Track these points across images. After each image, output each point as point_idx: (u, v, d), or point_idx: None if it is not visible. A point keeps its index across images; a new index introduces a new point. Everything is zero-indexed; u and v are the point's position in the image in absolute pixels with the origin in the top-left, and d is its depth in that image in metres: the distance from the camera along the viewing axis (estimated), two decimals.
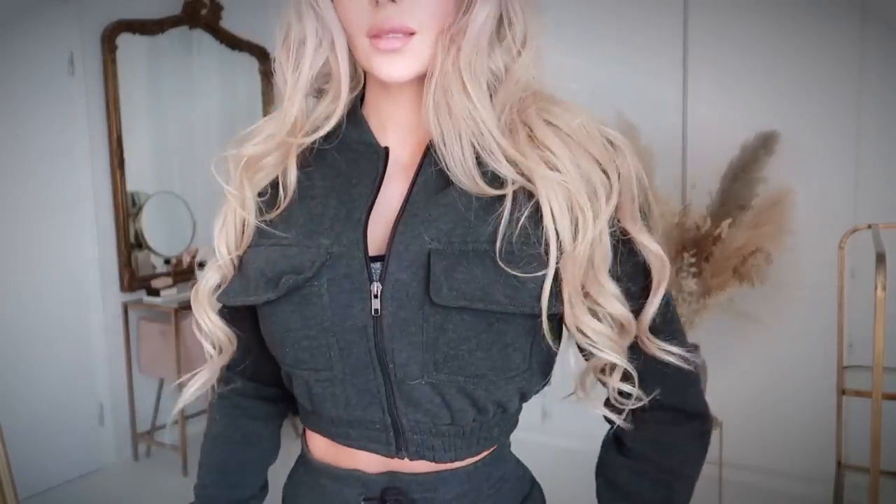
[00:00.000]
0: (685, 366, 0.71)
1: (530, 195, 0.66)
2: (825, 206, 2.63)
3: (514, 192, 0.66)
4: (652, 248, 0.69)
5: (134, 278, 3.27)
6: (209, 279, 0.76)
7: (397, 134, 0.73)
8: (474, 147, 0.66)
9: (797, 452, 2.75)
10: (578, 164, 0.66)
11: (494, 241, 0.65)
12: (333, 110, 0.71)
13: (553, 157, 0.66)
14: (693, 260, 2.29)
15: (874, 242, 1.93)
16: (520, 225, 0.65)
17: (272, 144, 0.73)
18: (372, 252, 0.68)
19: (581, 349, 0.72)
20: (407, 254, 0.67)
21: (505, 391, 0.71)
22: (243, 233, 0.75)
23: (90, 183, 3.11)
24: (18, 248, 2.89)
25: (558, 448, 3.19)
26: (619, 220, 0.68)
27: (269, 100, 3.97)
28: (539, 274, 0.65)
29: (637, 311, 0.69)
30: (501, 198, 0.66)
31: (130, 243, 3.28)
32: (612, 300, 0.67)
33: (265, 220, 0.73)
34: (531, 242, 0.66)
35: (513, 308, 0.65)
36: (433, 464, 0.72)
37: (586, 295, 0.67)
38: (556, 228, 0.65)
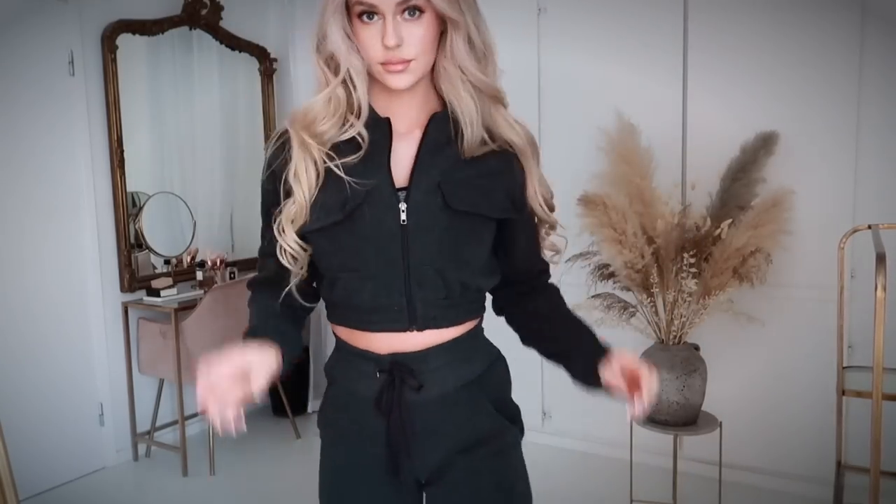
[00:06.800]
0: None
1: (503, 151, 1.08)
2: (825, 206, 2.63)
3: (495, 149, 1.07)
4: None
5: (134, 278, 3.27)
6: (289, 211, 1.05)
7: (396, 115, 1.06)
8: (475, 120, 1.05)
9: (797, 453, 2.75)
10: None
11: (482, 177, 1.05)
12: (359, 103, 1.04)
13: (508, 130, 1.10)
14: (693, 260, 2.29)
15: (874, 243, 1.93)
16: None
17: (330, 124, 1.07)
18: (396, 185, 1.03)
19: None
20: (423, 184, 1.02)
21: (478, 275, 1.09)
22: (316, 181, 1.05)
23: (90, 183, 3.11)
24: (18, 247, 2.89)
25: (558, 448, 3.19)
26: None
27: (269, 99, 3.97)
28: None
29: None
30: (486, 151, 1.07)
31: (130, 243, 3.28)
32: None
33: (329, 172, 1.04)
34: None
35: (496, 214, 1.07)
36: (430, 337, 1.06)
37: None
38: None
